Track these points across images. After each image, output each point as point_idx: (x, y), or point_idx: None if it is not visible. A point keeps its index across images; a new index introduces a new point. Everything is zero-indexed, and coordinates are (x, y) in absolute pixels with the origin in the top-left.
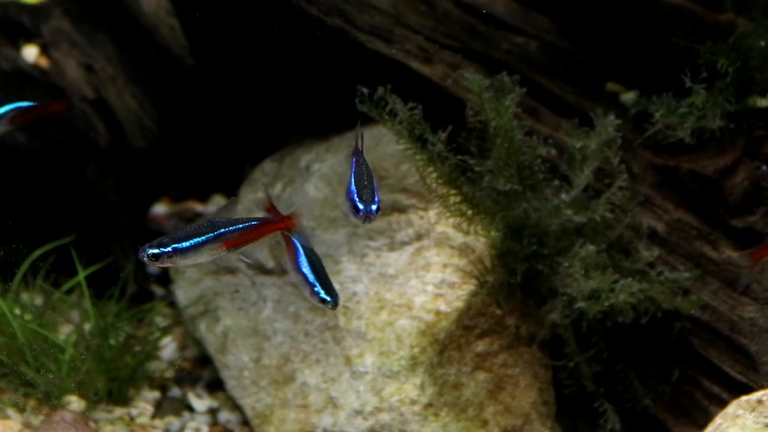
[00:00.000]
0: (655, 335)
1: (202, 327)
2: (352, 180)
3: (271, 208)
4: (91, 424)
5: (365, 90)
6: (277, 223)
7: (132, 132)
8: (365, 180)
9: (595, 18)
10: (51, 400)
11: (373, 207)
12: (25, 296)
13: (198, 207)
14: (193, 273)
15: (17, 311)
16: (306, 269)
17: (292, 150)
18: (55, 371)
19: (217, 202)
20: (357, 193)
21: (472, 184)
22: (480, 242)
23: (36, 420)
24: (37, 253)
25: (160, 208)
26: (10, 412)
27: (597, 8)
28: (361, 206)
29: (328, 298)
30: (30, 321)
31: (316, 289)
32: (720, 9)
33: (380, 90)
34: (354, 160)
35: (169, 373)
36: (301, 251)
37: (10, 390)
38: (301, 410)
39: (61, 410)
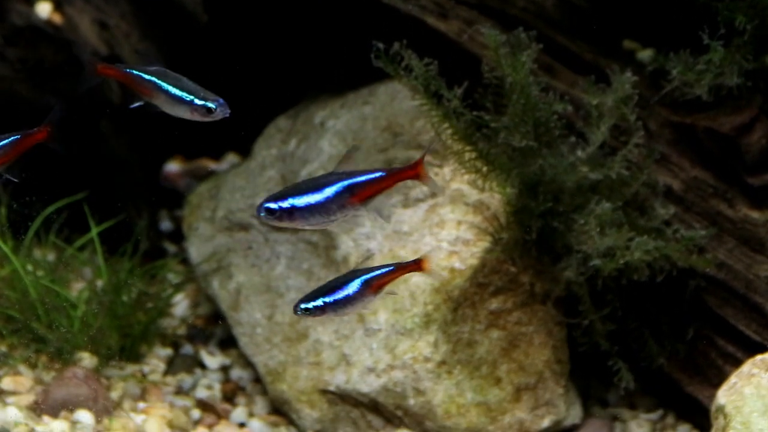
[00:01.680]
0: (670, 293)
1: (215, 284)
2: None
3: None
4: (103, 380)
5: (381, 45)
6: (404, 171)
7: None
8: None
9: None
10: (63, 357)
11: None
12: (37, 252)
13: (211, 165)
14: (206, 230)
15: (29, 267)
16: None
17: (306, 106)
18: (67, 327)
19: (230, 160)
20: None
21: (488, 140)
22: (495, 199)
23: (47, 376)
24: (50, 209)
25: (173, 166)
26: (22, 368)
27: None
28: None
29: (213, 105)
30: (42, 277)
31: (195, 102)
32: None
33: (396, 45)
34: None
35: (182, 330)
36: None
37: (21, 346)
38: (314, 367)
39: (73, 366)
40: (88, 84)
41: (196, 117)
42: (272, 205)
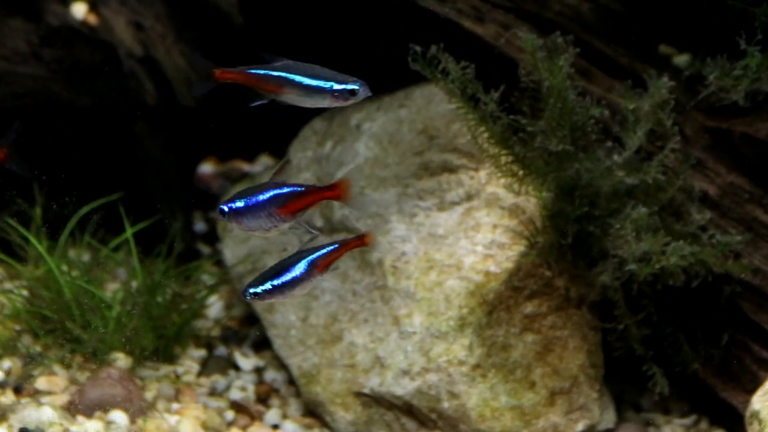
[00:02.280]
0: (705, 299)
1: None
2: None
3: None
4: (137, 381)
5: (418, 48)
6: (325, 191)
7: (180, 90)
8: None
9: None
10: (97, 357)
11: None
12: (72, 253)
13: (245, 166)
14: (240, 231)
15: (64, 267)
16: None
17: (342, 108)
18: (101, 328)
19: (264, 161)
20: None
21: (524, 144)
22: (531, 203)
23: (82, 376)
24: (85, 209)
25: (207, 168)
26: (57, 368)
27: None
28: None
29: (356, 86)
30: (77, 277)
31: (335, 87)
32: None
33: (433, 49)
34: None
35: (216, 332)
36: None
37: (56, 346)
38: (348, 370)
39: (108, 367)
40: (202, 91)
41: (338, 103)
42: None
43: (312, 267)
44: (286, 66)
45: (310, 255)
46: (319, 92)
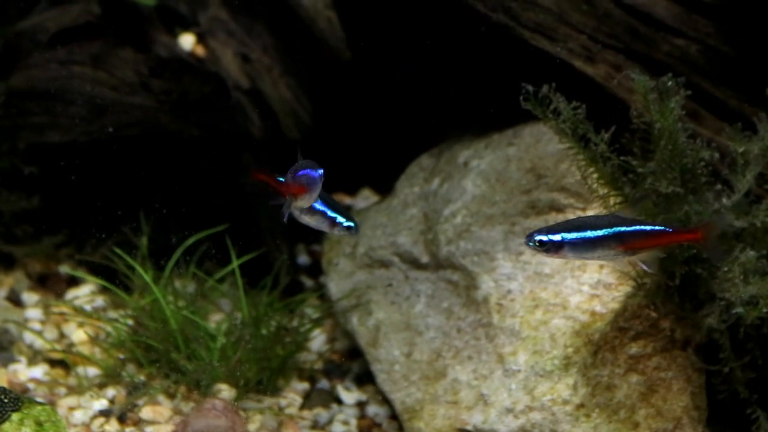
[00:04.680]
0: None
1: (354, 320)
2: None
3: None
4: (241, 412)
5: (530, 88)
6: (686, 233)
7: (286, 123)
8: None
9: (757, 21)
10: (201, 388)
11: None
12: (177, 283)
13: (347, 200)
14: (346, 266)
15: (170, 298)
16: (321, 207)
17: (450, 145)
18: (206, 359)
19: (365, 195)
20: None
21: (633, 185)
22: None
23: (186, 407)
24: (191, 240)
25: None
26: (161, 398)
27: (760, 12)
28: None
29: (352, 224)
30: (182, 307)
31: (338, 220)
32: None
33: (545, 88)
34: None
35: (318, 365)
36: None
37: (160, 376)
38: (451, 406)
39: (212, 398)
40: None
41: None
42: (543, 237)
43: (617, 239)
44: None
45: (622, 225)
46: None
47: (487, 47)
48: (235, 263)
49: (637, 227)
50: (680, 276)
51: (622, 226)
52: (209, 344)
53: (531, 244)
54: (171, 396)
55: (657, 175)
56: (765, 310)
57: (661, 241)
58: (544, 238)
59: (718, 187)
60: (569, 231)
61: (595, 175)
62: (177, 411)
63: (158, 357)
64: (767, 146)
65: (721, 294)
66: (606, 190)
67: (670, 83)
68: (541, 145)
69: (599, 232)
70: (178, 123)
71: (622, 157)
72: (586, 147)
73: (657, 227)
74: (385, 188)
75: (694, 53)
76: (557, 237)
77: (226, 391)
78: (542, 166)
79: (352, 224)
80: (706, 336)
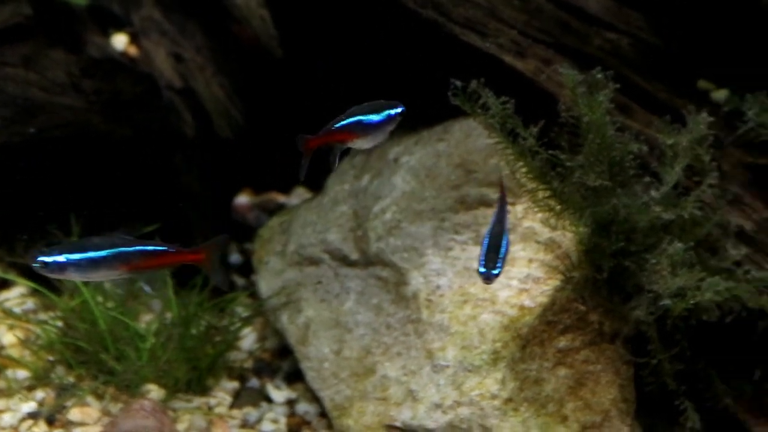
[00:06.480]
0: (738, 334)
1: (284, 318)
2: (486, 235)
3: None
4: (170, 412)
5: (458, 83)
6: (189, 253)
7: (219, 122)
8: (496, 237)
9: (688, 15)
10: (130, 388)
11: (494, 272)
12: (107, 284)
13: (280, 198)
14: (276, 264)
15: (99, 299)
16: (485, 241)
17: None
18: (135, 359)
19: (299, 193)
20: (483, 255)
21: (562, 179)
22: (566, 238)
23: (115, 408)
24: None
25: (242, 199)
26: (90, 399)
27: (691, 6)
28: (482, 269)
29: (482, 270)
30: (112, 308)
31: (480, 259)
32: None
33: (473, 83)
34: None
35: (249, 364)
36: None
37: (89, 377)
38: (381, 403)
39: (141, 398)
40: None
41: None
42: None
43: (120, 259)
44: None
45: (124, 246)
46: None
47: (418, 43)
48: None
49: (138, 247)
50: (608, 269)
51: (123, 246)
52: (139, 345)
53: (36, 265)
54: (100, 397)
55: (585, 169)
56: (692, 302)
57: (164, 261)
58: (48, 259)
59: (647, 179)
60: (73, 252)
61: (523, 170)
62: (105, 412)
63: (88, 358)
64: (696, 138)
65: (649, 286)
66: (534, 185)
67: (599, 76)
68: (471, 140)
69: (102, 253)
70: (110, 123)
71: (550, 151)
72: (515, 142)
73: (159, 247)
74: (319, 186)
75: (626, 47)
76: (61, 258)
77: (155, 391)
78: (472, 162)
79: (482, 269)
80: (635, 328)
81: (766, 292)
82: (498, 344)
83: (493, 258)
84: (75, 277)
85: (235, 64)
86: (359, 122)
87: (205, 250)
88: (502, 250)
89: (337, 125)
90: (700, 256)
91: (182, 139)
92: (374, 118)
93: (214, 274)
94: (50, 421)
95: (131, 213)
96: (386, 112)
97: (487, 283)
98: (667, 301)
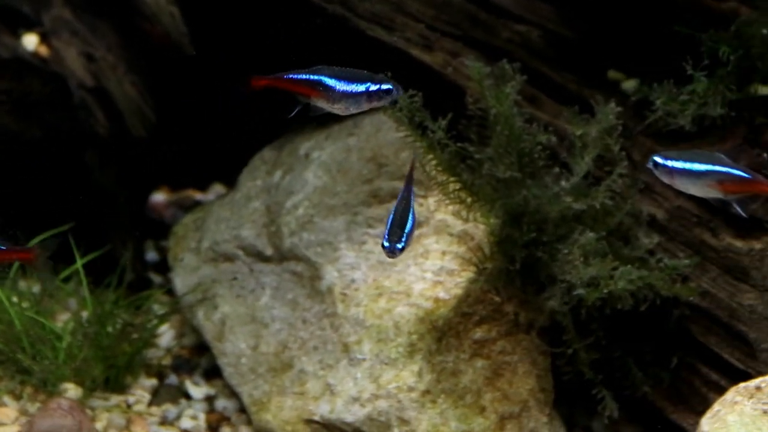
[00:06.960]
0: (653, 322)
1: (200, 314)
2: (392, 211)
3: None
4: (88, 411)
5: None
6: (19, 252)
7: (131, 120)
8: (402, 212)
9: (597, 6)
10: (47, 388)
11: (398, 245)
12: (22, 284)
13: (197, 195)
14: (191, 260)
15: (14, 299)
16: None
17: (291, 138)
18: (52, 359)
19: (216, 190)
20: (388, 229)
21: (472, 171)
22: (479, 229)
23: (32, 407)
24: (35, 240)
25: (159, 197)
26: (7, 399)
27: None
28: (386, 243)
29: (386, 244)
30: (27, 308)
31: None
32: None
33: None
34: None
35: (167, 361)
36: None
37: (6, 377)
38: (299, 397)
39: (58, 397)
40: (238, 100)
41: (374, 104)
42: None
43: None
44: (320, 70)
45: None
46: (354, 96)
47: (327, 38)
48: (79, 262)
49: None
50: (521, 260)
51: None
52: (55, 344)
53: None
54: (17, 397)
55: (494, 161)
56: (606, 291)
57: None
58: None
59: (557, 170)
60: None
61: (433, 162)
62: (23, 412)
63: (4, 358)
64: (605, 128)
65: (562, 276)
66: (445, 177)
67: (506, 68)
68: (382, 134)
69: None
70: (20, 123)
71: (459, 144)
72: (424, 135)
73: None
74: (235, 182)
75: (535, 39)
76: None
77: (72, 390)
78: (383, 155)
79: (385, 243)
80: (549, 318)
81: (679, 280)
82: (414, 337)
83: (398, 233)
84: None
85: (146, 62)
86: (319, 81)
87: (35, 250)
88: (408, 225)
89: (290, 75)
90: (612, 246)
91: (95, 138)
92: (336, 83)
93: (41, 273)
94: None
95: (45, 213)
96: (360, 84)
97: (391, 257)
98: (580, 291)
